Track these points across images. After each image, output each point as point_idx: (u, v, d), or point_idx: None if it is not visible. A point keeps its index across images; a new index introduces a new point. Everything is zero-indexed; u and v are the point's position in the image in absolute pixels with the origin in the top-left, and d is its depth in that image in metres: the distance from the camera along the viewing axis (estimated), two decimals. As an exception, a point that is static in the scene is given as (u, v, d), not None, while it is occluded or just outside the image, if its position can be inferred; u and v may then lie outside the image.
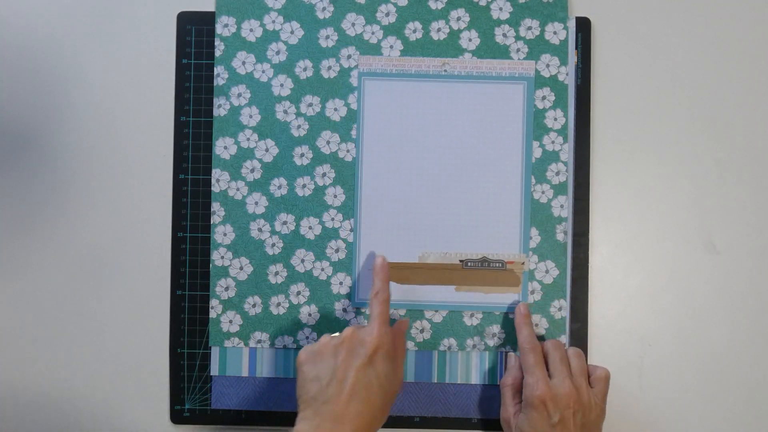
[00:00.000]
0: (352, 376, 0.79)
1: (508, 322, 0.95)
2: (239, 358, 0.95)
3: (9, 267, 0.96)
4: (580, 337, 0.94)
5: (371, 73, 0.95)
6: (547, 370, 0.87)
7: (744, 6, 0.97)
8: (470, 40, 0.95)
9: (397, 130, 0.95)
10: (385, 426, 0.94)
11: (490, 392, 0.95)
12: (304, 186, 0.95)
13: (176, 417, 0.95)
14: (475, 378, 0.95)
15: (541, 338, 0.94)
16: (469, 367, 0.95)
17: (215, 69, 0.95)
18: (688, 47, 0.97)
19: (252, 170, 0.95)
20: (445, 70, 0.95)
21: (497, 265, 0.95)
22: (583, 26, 0.96)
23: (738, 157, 0.96)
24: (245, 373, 0.95)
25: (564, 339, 0.94)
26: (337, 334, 0.84)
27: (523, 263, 0.94)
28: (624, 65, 0.97)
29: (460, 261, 0.95)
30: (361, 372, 0.80)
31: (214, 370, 0.95)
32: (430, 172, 0.95)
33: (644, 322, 0.95)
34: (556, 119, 0.95)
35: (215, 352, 0.95)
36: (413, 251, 0.95)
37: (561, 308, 0.94)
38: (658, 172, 0.96)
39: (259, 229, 0.95)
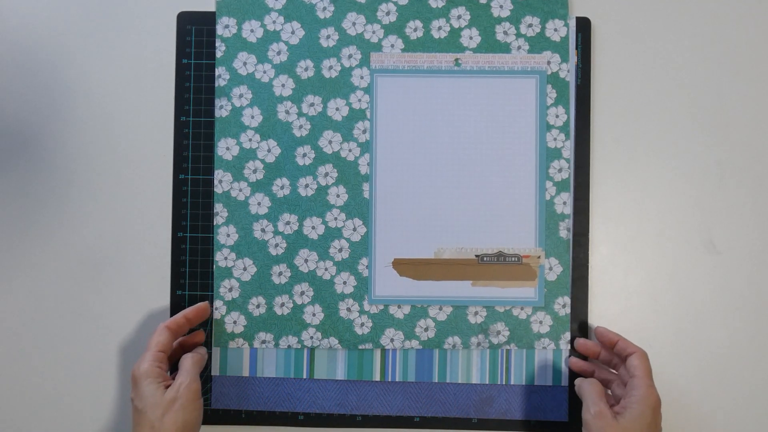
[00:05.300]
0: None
1: (512, 319, 0.95)
2: (240, 358, 0.95)
3: (9, 267, 0.96)
4: (579, 337, 0.95)
5: (383, 70, 0.95)
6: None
7: (744, 6, 0.97)
8: (471, 38, 0.95)
9: (410, 125, 0.95)
10: (386, 426, 0.95)
11: (490, 392, 0.95)
12: (306, 186, 0.95)
13: (177, 418, 0.95)
14: (476, 377, 0.95)
15: (545, 335, 0.94)
16: (470, 367, 0.95)
17: (216, 70, 0.95)
18: (688, 47, 0.97)
19: (254, 171, 0.95)
20: (458, 65, 0.95)
21: (513, 259, 0.95)
22: (583, 26, 0.96)
23: (738, 157, 0.96)
24: (246, 373, 0.95)
25: (567, 336, 0.94)
26: None
27: (539, 257, 0.94)
28: (624, 65, 0.97)
29: (476, 256, 0.95)
30: (132, 396, 0.85)
31: (215, 370, 0.95)
32: (444, 167, 0.95)
33: (644, 322, 0.96)
34: (557, 116, 0.95)
35: (216, 352, 0.95)
36: (429, 247, 0.95)
37: (565, 305, 0.94)
38: (658, 172, 0.96)
39: (262, 230, 0.94)
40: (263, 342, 0.94)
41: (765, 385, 0.95)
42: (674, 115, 0.96)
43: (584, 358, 0.94)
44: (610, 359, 0.92)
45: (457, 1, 0.96)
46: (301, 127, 0.95)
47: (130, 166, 0.97)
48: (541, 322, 0.94)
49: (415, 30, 0.95)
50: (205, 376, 0.95)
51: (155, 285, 0.96)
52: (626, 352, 0.88)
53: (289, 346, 0.94)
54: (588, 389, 0.86)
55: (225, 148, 0.95)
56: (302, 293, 0.94)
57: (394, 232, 0.95)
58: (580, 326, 0.95)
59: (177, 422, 0.81)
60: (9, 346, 0.96)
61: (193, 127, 0.96)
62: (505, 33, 0.96)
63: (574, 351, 0.94)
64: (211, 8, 0.96)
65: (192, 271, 0.96)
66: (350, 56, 0.95)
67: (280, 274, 0.94)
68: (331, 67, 0.95)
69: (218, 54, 0.95)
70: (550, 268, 0.95)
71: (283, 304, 0.94)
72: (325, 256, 0.94)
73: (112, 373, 0.96)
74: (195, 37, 0.96)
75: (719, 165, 0.96)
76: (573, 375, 0.94)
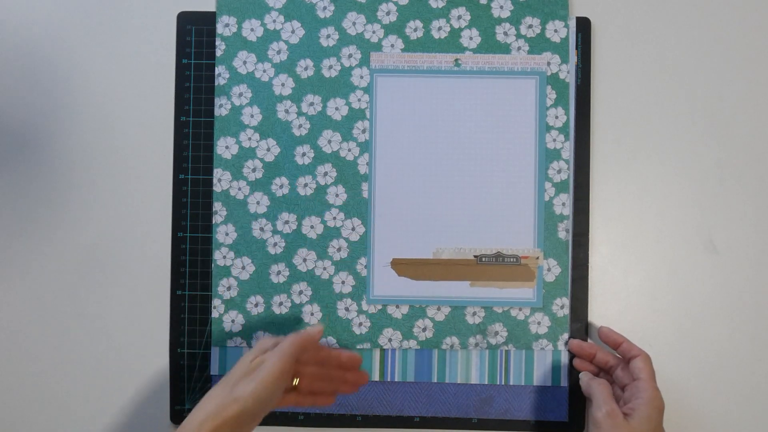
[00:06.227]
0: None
1: (510, 320, 0.95)
2: (239, 357, 0.94)
3: (9, 267, 0.96)
4: (579, 337, 0.94)
5: (383, 70, 0.95)
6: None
7: (744, 6, 0.97)
8: (471, 38, 0.95)
9: (410, 125, 0.95)
10: (386, 426, 0.95)
11: (490, 392, 0.95)
12: (305, 185, 0.95)
13: (176, 417, 0.95)
14: (475, 378, 0.95)
15: (543, 336, 0.94)
16: (469, 367, 0.95)
17: (216, 69, 0.95)
18: (688, 47, 0.97)
19: (253, 170, 0.95)
20: (458, 65, 0.95)
21: (511, 260, 0.95)
22: (583, 26, 0.96)
23: (738, 157, 0.96)
24: (245, 372, 0.95)
25: (565, 337, 0.94)
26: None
27: (537, 258, 0.94)
28: (624, 65, 0.97)
29: (475, 256, 0.95)
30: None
31: (214, 369, 0.95)
32: (443, 167, 0.95)
33: (644, 322, 0.96)
34: (557, 117, 0.95)
35: (215, 352, 0.95)
36: (427, 247, 0.95)
37: (563, 306, 0.94)
38: (658, 172, 0.96)
39: (261, 229, 0.94)
40: (261, 341, 0.94)
41: (765, 385, 0.95)
42: (674, 115, 0.96)
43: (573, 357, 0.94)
44: (605, 362, 0.92)
45: (458, 2, 0.96)
46: (300, 126, 0.95)
47: (130, 166, 0.97)
48: (539, 323, 0.94)
49: (415, 30, 0.95)
50: (205, 375, 0.95)
51: (155, 285, 0.96)
52: (630, 354, 0.89)
53: (287, 346, 0.94)
54: (598, 388, 0.87)
55: (224, 146, 0.95)
56: (300, 292, 0.94)
57: (392, 232, 0.95)
58: (581, 326, 0.94)
59: (246, 390, 0.77)
60: (9, 346, 0.96)
61: (193, 126, 0.96)
62: (505, 34, 0.95)
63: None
64: (211, 8, 0.96)
65: (192, 270, 0.96)
66: (350, 56, 0.95)
67: (279, 273, 0.94)
68: (331, 67, 0.95)
69: (218, 53, 0.95)
70: (549, 269, 0.95)
71: (281, 303, 0.94)
72: (323, 255, 0.94)
73: (112, 373, 0.96)
74: (195, 37, 0.96)
75: (719, 165, 0.96)
76: (573, 375, 0.94)
